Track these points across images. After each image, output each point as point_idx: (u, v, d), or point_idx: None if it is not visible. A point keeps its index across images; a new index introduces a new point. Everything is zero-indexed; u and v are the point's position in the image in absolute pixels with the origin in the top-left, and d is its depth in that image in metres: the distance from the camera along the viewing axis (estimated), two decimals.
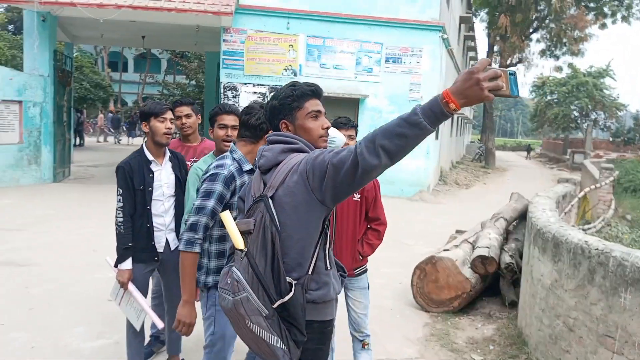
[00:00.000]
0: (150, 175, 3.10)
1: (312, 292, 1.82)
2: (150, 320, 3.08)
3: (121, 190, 3.03)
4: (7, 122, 11.43)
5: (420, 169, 13.30)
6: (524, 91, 48.26)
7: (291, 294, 1.72)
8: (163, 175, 3.16)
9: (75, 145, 18.81)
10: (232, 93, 12.63)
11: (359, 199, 3.18)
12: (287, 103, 1.93)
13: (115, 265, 3.09)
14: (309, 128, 1.94)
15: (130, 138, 27.14)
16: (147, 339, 3.67)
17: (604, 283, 3.25)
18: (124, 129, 27.89)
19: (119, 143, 25.44)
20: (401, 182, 13.14)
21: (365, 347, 3.26)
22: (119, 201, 3.02)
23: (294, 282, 1.75)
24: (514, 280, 5.25)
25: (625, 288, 3.11)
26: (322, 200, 1.75)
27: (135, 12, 11.20)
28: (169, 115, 3.13)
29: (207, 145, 3.76)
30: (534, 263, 4.14)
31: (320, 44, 12.78)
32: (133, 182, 3.03)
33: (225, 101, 12.64)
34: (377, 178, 3.13)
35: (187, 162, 3.44)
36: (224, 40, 12.52)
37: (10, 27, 35.08)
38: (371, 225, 3.25)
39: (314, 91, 1.96)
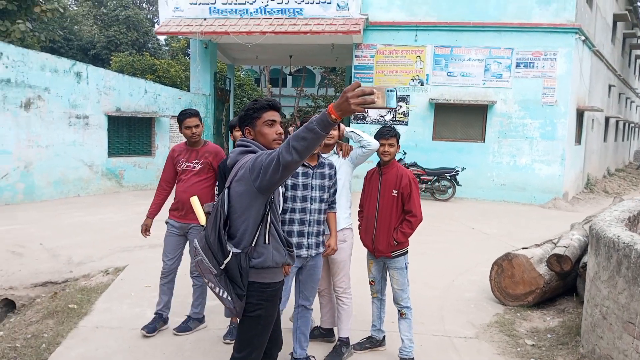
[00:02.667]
0: None
1: (253, 259, 2.46)
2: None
3: None
4: (176, 134, 13.74)
5: (554, 176, 12.87)
6: None
7: (229, 258, 2.42)
8: None
9: None
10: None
11: (396, 194, 3.81)
12: (249, 114, 2.62)
13: None
14: (265, 133, 2.58)
15: None
16: (152, 316, 4.47)
17: (627, 273, 3.48)
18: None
19: None
20: (533, 189, 12.91)
21: (403, 316, 3.88)
22: None
23: (232, 250, 2.43)
24: None
25: None
26: (260, 190, 2.38)
27: (277, 36, 12.74)
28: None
29: (209, 148, 4.36)
30: (588, 259, 4.34)
31: (447, 53, 13.15)
32: None
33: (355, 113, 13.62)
34: (415, 177, 3.81)
35: (190, 164, 4.25)
36: (356, 56, 13.54)
37: (189, 51, 40.46)
38: (406, 217, 3.84)
39: (270, 104, 2.63)
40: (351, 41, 13.28)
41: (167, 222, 4.41)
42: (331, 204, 3.70)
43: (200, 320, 4.53)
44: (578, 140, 14.74)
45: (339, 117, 2.11)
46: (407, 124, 13.45)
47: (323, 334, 4.27)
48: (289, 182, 3.47)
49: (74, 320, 4.67)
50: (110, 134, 12.05)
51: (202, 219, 2.69)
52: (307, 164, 3.48)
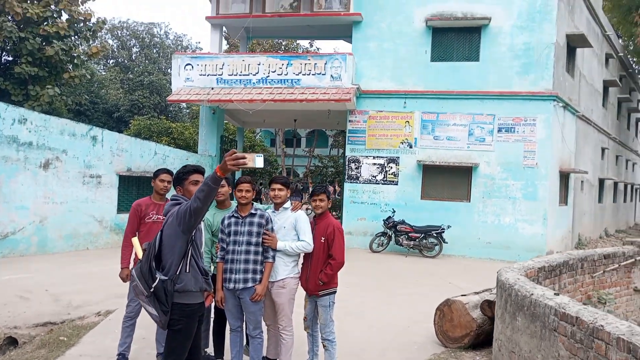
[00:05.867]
0: None
1: (177, 284, 3.28)
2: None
3: None
4: None
5: (537, 235, 13.45)
6: None
7: (155, 283, 3.22)
8: None
9: None
10: (355, 165, 14.54)
11: (323, 241, 4.60)
12: (180, 176, 3.58)
13: None
14: (190, 190, 3.50)
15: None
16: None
17: (510, 310, 4.18)
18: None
19: None
20: (517, 248, 13.46)
21: (325, 348, 4.63)
22: None
23: (160, 277, 3.23)
24: None
25: (519, 312, 4.03)
26: (182, 231, 3.26)
27: (277, 103, 13.94)
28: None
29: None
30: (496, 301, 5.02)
31: (434, 118, 14.16)
32: None
33: (349, 172, 14.60)
34: (340, 225, 4.61)
35: (160, 216, 4.92)
36: (349, 121, 14.65)
37: None
38: (329, 260, 4.60)
39: (195, 169, 3.59)
40: (345, 107, 14.41)
41: (131, 270, 5.20)
42: (266, 254, 4.43)
43: None
44: (564, 201, 15.35)
45: (222, 174, 3.02)
46: (397, 184, 14.31)
47: None
48: (228, 230, 4.33)
49: (62, 349, 5.46)
50: (121, 191, 13.13)
51: (140, 253, 3.55)
52: (237, 215, 4.35)
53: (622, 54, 23.36)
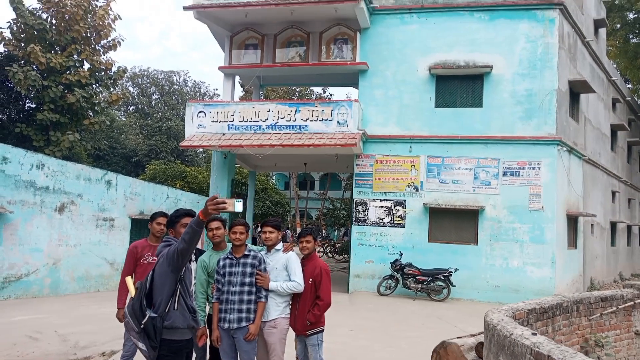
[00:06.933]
0: None
1: (165, 321, 3.51)
2: None
3: None
4: None
5: (545, 278, 13.38)
6: None
7: (145, 319, 3.45)
8: None
9: None
10: (362, 207, 14.76)
11: (311, 282, 4.80)
12: (172, 220, 3.88)
13: None
14: (180, 233, 3.76)
15: None
16: None
17: (494, 350, 4.30)
18: None
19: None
20: (526, 291, 13.37)
21: None
22: None
23: (150, 314, 3.45)
24: None
25: (501, 352, 4.15)
26: (172, 271, 3.51)
27: (285, 148, 14.35)
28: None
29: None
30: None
31: (439, 162, 14.42)
32: None
33: (357, 215, 14.80)
34: (327, 267, 4.82)
35: (154, 257, 4.93)
36: (357, 165, 14.96)
37: None
38: (316, 301, 4.79)
39: (186, 213, 3.89)
40: (352, 152, 14.74)
41: (125, 308, 5.42)
42: (259, 294, 4.63)
43: None
44: (573, 244, 15.29)
45: (205, 218, 3.32)
46: (404, 227, 14.44)
47: None
48: (223, 271, 4.56)
49: None
50: (132, 234, 13.48)
51: (132, 292, 3.79)
52: (231, 256, 4.59)
53: (629, 98, 23.59)
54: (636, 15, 26.40)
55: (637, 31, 27.44)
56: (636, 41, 27.31)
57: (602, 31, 19.98)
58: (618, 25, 26.33)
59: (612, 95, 20.83)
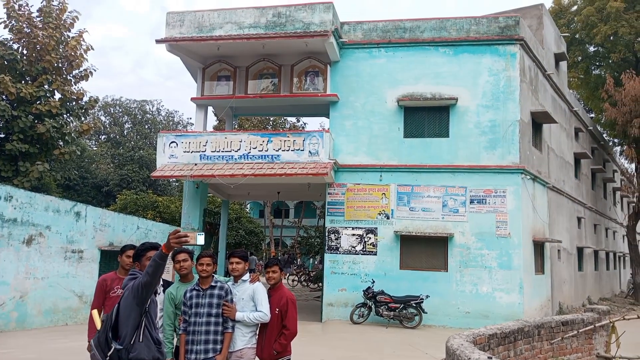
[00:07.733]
0: None
1: (131, 353, 3.59)
2: None
3: None
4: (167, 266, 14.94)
5: (514, 304, 13.67)
6: None
7: (110, 351, 3.53)
8: None
9: None
10: (335, 236, 14.91)
11: (278, 312, 4.91)
12: (137, 253, 4.01)
13: None
14: (145, 266, 3.87)
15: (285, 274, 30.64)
16: None
17: None
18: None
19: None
20: (495, 316, 13.59)
21: None
22: None
23: (115, 346, 3.53)
24: None
25: None
26: (137, 304, 3.61)
27: (257, 178, 14.48)
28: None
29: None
30: None
31: (409, 191, 14.73)
32: None
33: (329, 243, 14.94)
34: (293, 297, 4.94)
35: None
36: (329, 193, 15.18)
37: None
38: (283, 330, 4.90)
39: (152, 246, 4.02)
40: (324, 181, 14.96)
41: (90, 341, 5.38)
42: (226, 325, 4.69)
43: None
44: (540, 269, 15.68)
45: (167, 251, 3.47)
46: (376, 254, 14.62)
47: None
48: (190, 302, 4.63)
49: None
50: (102, 266, 13.32)
51: (98, 325, 3.85)
52: (198, 288, 4.68)
53: (591, 128, 24.54)
54: (596, 49, 27.68)
55: (597, 63, 28.74)
56: (597, 73, 28.56)
57: (563, 64, 20.90)
58: (579, 58, 27.54)
59: (574, 125, 21.68)
